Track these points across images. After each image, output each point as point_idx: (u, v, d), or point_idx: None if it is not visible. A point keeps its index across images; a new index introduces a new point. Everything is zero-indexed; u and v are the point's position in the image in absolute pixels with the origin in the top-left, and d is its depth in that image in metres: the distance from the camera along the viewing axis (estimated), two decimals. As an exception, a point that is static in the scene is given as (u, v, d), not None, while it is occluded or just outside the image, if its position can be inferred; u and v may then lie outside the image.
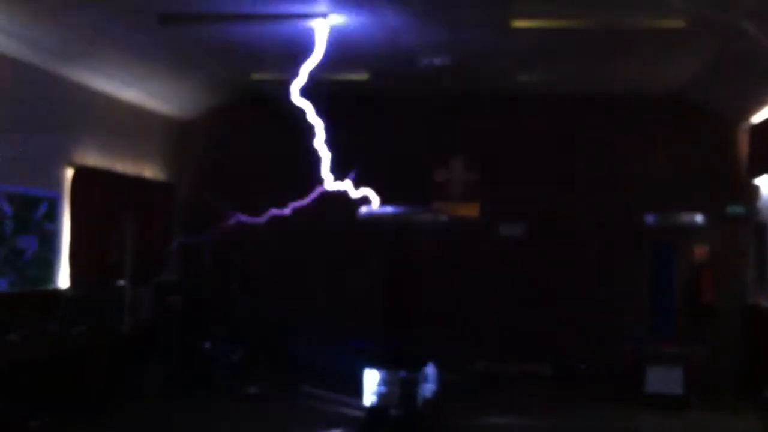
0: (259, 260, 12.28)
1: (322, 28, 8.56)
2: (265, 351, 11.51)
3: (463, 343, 11.67)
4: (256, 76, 11.33)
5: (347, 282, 12.04)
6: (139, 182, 11.14)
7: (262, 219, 12.30)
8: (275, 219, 12.35)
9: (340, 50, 9.00)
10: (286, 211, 12.25)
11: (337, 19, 8.44)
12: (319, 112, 9.89)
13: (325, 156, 10.10)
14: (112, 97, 10.55)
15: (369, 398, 8.78)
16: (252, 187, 12.46)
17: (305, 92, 11.89)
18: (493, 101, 11.92)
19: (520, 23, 8.51)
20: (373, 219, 9.15)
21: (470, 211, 12.17)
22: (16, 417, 7.92)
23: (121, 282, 9.66)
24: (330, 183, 9.34)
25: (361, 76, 10.40)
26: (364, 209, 9.12)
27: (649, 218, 10.57)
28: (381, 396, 8.72)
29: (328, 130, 11.80)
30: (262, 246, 12.34)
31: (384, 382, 8.70)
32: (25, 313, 8.48)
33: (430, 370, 9.22)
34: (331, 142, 11.43)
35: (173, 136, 12.42)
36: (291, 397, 10.39)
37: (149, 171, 11.59)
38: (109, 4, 8.10)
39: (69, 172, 9.57)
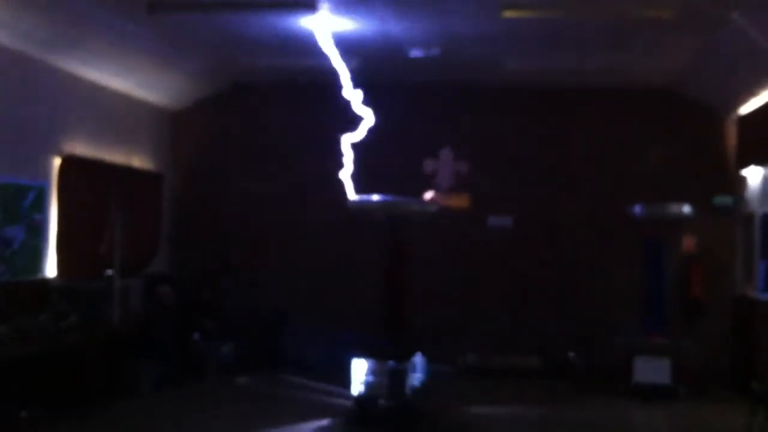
0: (249, 251, 12.27)
1: (312, 17, 8.55)
2: (256, 342, 11.51)
3: (454, 335, 11.68)
4: (247, 65, 11.30)
5: (339, 272, 12.02)
6: (128, 172, 11.09)
7: (253, 208, 12.35)
8: (267, 208, 12.39)
9: (328, 41, 8.97)
10: (278, 200, 12.30)
11: (327, 8, 8.42)
12: (310, 102, 9.87)
13: (317, 147, 10.10)
14: (101, 86, 10.50)
15: (357, 388, 8.80)
16: (242, 178, 12.46)
17: (295, 81, 11.95)
18: (483, 92, 11.92)
19: (510, 13, 8.51)
20: (363, 209, 9.16)
21: (460, 202, 12.16)
22: (6, 408, 7.89)
23: (110, 273, 9.61)
24: (320, 173, 9.38)
25: (351, 65, 10.36)
26: (354, 199, 9.12)
27: (637, 209, 10.60)
28: (369, 386, 8.74)
29: (318, 119, 11.82)
30: (253, 237, 12.34)
31: (372, 372, 8.72)
32: (13, 304, 8.45)
33: (419, 360, 9.24)
34: (320, 133, 11.44)
35: (163, 126, 12.37)
36: (280, 388, 10.39)
37: (138, 161, 11.54)
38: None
39: (57, 162, 9.52)
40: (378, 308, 9.28)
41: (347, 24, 8.96)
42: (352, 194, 9.16)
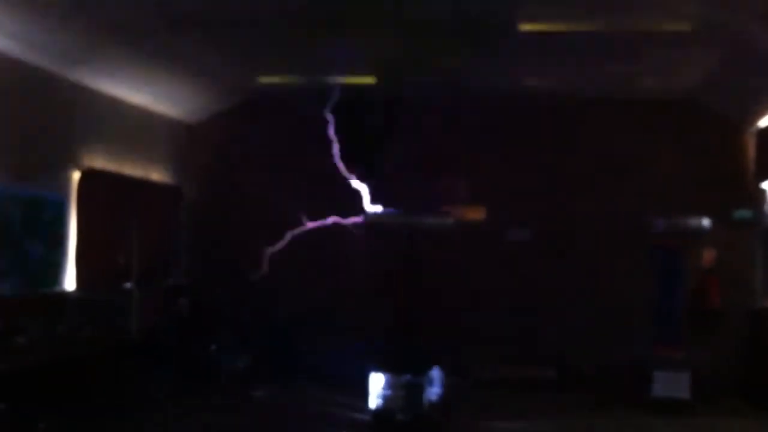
0: (266, 262, 12.28)
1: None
2: (272, 354, 11.51)
3: (469, 347, 11.64)
4: (264, 79, 11.35)
5: (354, 286, 12.02)
6: (146, 185, 11.15)
7: (270, 220, 12.37)
8: (282, 219, 12.41)
9: (348, 54, 9.01)
10: (294, 211, 12.32)
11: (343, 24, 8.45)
12: (327, 116, 9.88)
13: (333, 159, 10.11)
14: (120, 100, 10.57)
15: (375, 402, 8.77)
16: (259, 190, 12.50)
17: (313, 96, 11.99)
18: (501, 104, 11.90)
19: (528, 27, 8.51)
20: (380, 222, 9.16)
21: (476, 214, 12.15)
22: (24, 420, 7.92)
23: (128, 285, 9.66)
24: (336, 185, 9.38)
25: (369, 80, 10.42)
26: (370, 212, 9.12)
27: (657, 223, 10.54)
28: (387, 400, 8.72)
29: (335, 133, 11.83)
30: (269, 247, 12.35)
31: (390, 386, 8.70)
32: (32, 316, 8.49)
33: (436, 374, 9.21)
34: (338, 146, 11.46)
35: (180, 139, 12.44)
36: (297, 401, 10.38)
37: (156, 174, 11.60)
38: (117, 8, 8.13)
39: (76, 175, 9.58)
40: (394, 320, 9.25)
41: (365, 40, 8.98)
42: (369, 206, 9.14)
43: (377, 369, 8.79)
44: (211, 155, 12.71)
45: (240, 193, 12.58)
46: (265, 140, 12.56)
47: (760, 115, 10.79)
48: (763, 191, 11.14)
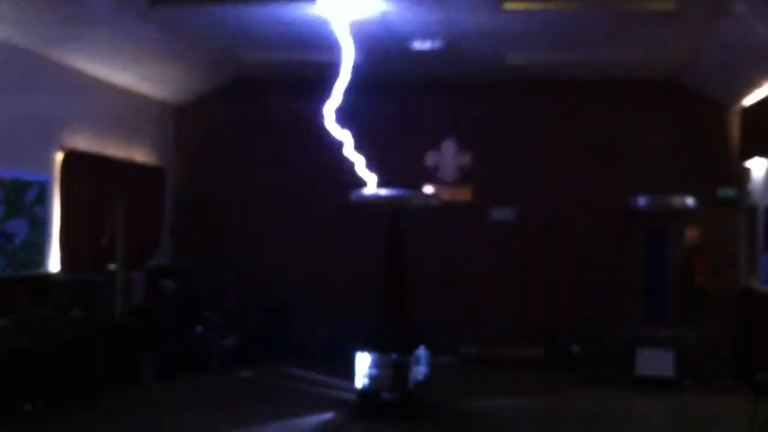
0: (252, 243, 12.28)
1: (313, 10, 8.53)
2: (258, 333, 11.53)
3: (456, 326, 11.67)
4: (249, 59, 11.28)
5: (341, 265, 12.04)
6: (130, 166, 11.10)
7: (256, 201, 12.37)
8: (269, 201, 12.40)
9: (331, 33, 8.94)
10: (281, 192, 12.31)
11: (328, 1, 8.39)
12: (311, 96, 9.78)
13: (319, 140, 10.06)
14: (103, 80, 10.50)
15: (361, 381, 8.79)
16: (244, 171, 12.47)
17: (298, 75, 11.94)
18: (485, 84, 11.90)
19: (511, 5, 8.48)
20: (367, 202, 9.14)
21: (463, 194, 12.17)
22: (10, 402, 7.92)
23: (113, 266, 9.63)
24: (322, 165, 9.38)
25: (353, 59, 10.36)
26: (357, 192, 9.10)
27: (641, 201, 10.58)
28: (373, 379, 8.73)
29: (320, 114, 11.76)
30: (256, 229, 12.35)
31: (376, 365, 8.71)
32: (16, 298, 8.46)
33: (422, 353, 9.24)
34: (323, 126, 11.40)
35: (165, 120, 12.37)
36: (284, 381, 10.40)
37: (141, 155, 11.54)
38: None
39: (59, 156, 9.52)
40: (381, 299, 9.27)
41: (349, 16, 8.91)
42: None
43: (364, 348, 8.80)
44: (197, 136, 12.67)
45: (226, 174, 12.55)
46: (252, 121, 12.52)
47: (744, 94, 10.81)
48: (747, 170, 11.19)
